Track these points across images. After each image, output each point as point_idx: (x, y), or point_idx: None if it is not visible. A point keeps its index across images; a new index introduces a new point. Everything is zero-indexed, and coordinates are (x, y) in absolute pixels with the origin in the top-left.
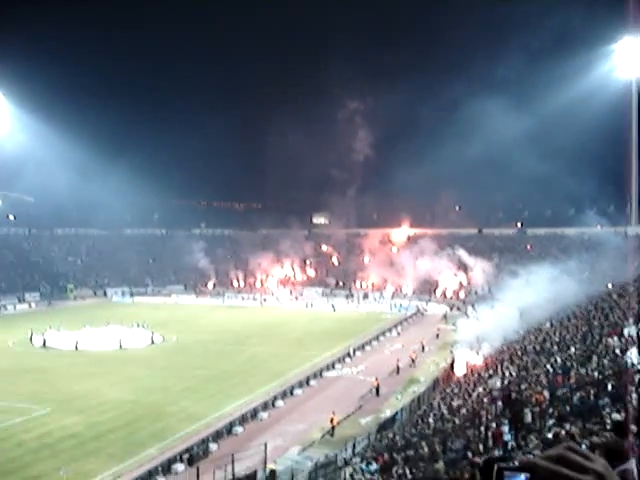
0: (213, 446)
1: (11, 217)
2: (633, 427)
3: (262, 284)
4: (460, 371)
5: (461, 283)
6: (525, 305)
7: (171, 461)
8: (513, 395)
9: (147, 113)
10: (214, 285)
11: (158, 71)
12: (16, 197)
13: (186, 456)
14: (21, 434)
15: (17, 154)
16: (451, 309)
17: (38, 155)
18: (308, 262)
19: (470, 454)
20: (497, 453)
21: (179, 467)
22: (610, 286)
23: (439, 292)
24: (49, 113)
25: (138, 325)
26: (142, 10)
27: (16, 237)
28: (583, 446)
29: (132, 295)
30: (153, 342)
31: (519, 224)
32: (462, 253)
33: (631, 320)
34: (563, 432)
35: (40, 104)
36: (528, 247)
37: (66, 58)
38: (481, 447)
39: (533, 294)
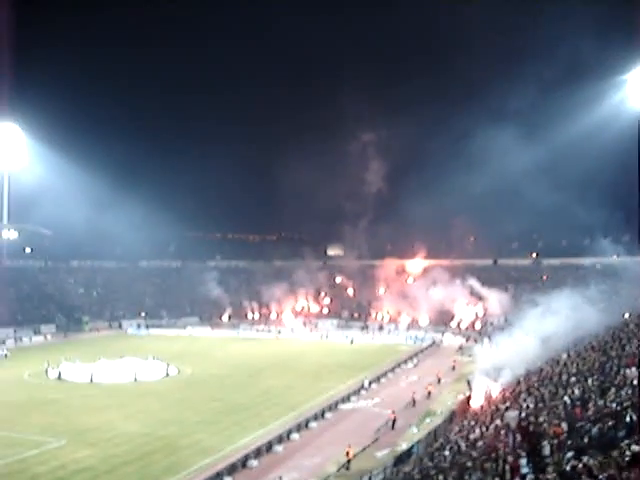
0: (228, 479)
1: (28, 249)
2: None
3: (277, 316)
4: (477, 403)
5: (477, 314)
6: (545, 334)
7: None
8: (531, 427)
9: (163, 146)
10: (229, 317)
11: (174, 104)
12: (33, 230)
13: None
14: (35, 467)
15: (34, 186)
16: (467, 340)
17: (55, 187)
18: (323, 293)
19: None
20: None
21: None
22: (627, 316)
23: (455, 323)
24: (66, 146)
25: (153, 357)
26: (159, 44)
27: (32, 269)
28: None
29: (147, 327)
30: (168, 374)
31: (534, 254)
32: (477, 284)
33: None
34: (581, 465)
35: (57, 137)
36: (543, 278)
37: (83, 92)
38: None
39: (551, 324)
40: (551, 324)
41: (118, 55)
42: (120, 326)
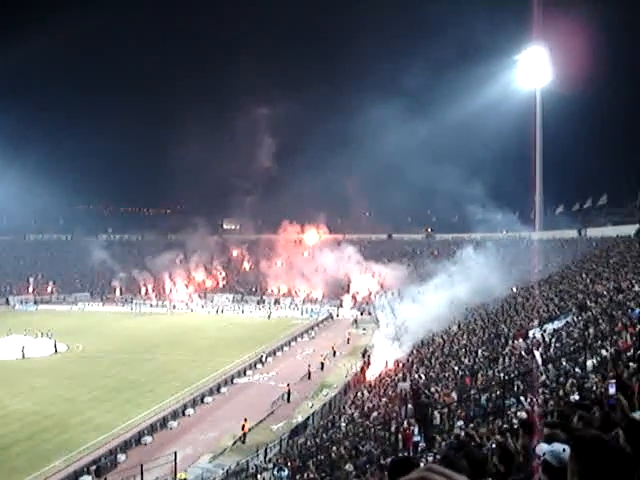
0: (121, 457)
1: None
2: (539, 425)
3: (171, 291)
4: (371, 374)
5: (371, 288)
6: (439, 303)
7: (78, 473)
8: (422, 397)
9: (50, 114)
10: (121, 292)
11: (63, 68)
12: None
13: (93, 468)
14: None
15: None
16: (362, 314)
17: None
18: (219, 268)
19: (381, 456)
20: (407, 455)
21: (86, 479)
22: (515, 289)
23: (349, 297)
24: None
25: (42, 334)
26: (58, 7)
27: None
28: (490, 445)
29: (36, 303)
30: (57, 351)
31: (429, 229)
32: (372, 258)
33: (536, 322)
34: (469, 432)
35: None
36: (435, 252)
37: None
38: (391, 449)
39: (444, 295)
40: (444, 295)
41: (12, 18)
42: (7, 302)
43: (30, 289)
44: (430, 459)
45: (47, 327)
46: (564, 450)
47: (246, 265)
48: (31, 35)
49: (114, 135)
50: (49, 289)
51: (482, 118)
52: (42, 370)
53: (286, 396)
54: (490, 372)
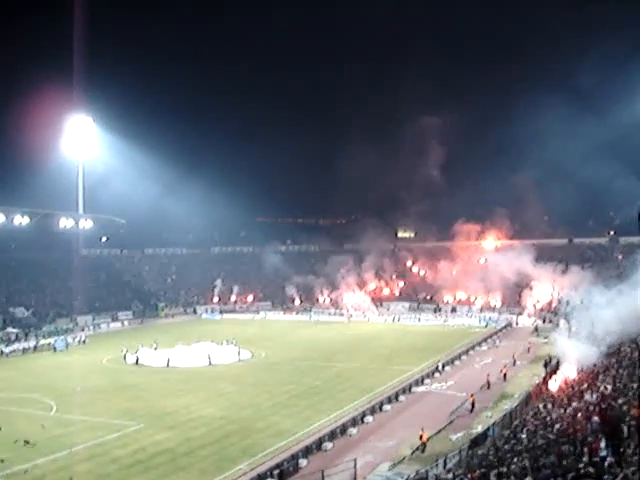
0: (303, 462)
1: (104, 238)
2: None
3: (348, 299)
4: (554, 384)
5: (552, 294)
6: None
7: (261, 476)
8: (610, 409)
9: (230, 133)
10: (300, 301)
11: (238, 90)
12: (108, 219)
13: (276, 472)
14: (116, 450)
15: (106, 176)
16: (543, 322)
17: (125, 176)
18: (394, 276)
19: (563, 470)
20: (592, 470)
21: None
22: None
23: (530, 304)
24: (134, 136)
25: (227, 342)
26: (218, 30)
27: (108, 258)
28: None
29: (221, 312)
30: (241, 359)
31: (611, 232)
32: (552, 263)
33: None
34: None
35: (125, 127)
36: (619, 257)
37: (147, 82)
38: (576, 463)
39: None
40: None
41: (179, 48)
42: (195, 311)
43: (215, 299)
44: (620, 475)
45: (232, 335)
46: None
47: (421, 273)
48: (208, 60)
49: (289, 150)
50: (232, 299)
51: None
52: (227, 376)
53: (469, 406)
54: None
